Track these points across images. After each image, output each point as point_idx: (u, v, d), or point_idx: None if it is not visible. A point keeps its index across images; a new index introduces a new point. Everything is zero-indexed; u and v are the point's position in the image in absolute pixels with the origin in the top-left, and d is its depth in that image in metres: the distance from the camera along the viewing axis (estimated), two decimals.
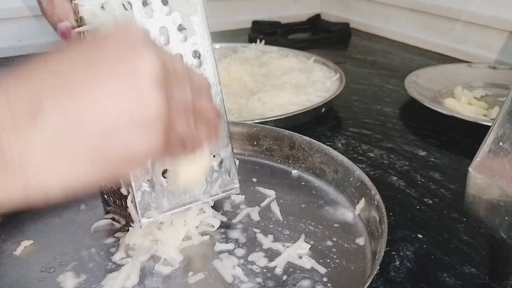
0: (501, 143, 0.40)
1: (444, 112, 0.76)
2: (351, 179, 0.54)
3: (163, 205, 0.47)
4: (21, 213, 0.54)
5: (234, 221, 0.52)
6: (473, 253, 0.50)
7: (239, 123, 0.66)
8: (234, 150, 0.53)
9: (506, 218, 0.39)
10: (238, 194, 0.54)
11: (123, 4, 0.43)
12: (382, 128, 0.80)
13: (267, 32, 1.34)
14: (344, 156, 0.57)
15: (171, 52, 0.42)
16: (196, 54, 0.48)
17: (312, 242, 0.48)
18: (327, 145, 0.59)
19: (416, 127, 0.81)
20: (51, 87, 0.28)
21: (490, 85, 0.93)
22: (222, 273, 0.45)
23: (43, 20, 0.44)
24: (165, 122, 0.31)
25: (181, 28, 0.47)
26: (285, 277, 0.44)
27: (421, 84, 0.89)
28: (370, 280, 0.38)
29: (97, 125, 0.29)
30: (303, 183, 0.59)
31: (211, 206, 0.51)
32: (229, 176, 0.52)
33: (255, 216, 0.53)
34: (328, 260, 0.46)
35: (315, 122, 0.80)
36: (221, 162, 0.51)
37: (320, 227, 0.51)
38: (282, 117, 0.72)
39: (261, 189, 0.58)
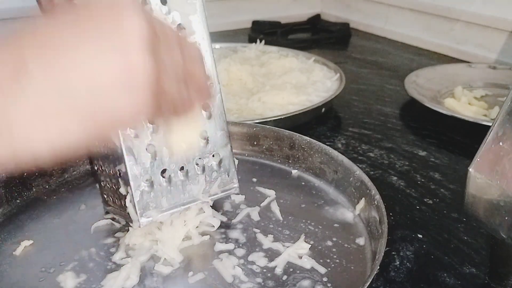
0: (501, 143, 0.40)
1: (444, 112, 0.76)
2: (351, 179, 0.54)
3: (162, 205, 0.47)
4: (21, 213, 0.54)
5: (234, 221, 0.52)
6: (473, 253, 0.50)
7: (239, 123, 0.66)
8: (234, 150, 0.53)
9: (506, 218, 0.39)
10: (238, 194, 0.54)
11: None
12: (382, 128, 0.80)
13: (267, 32, 1.35)
14: (344, 156, 0.57)
15: (162, 17, 0.42)
16: None
17: (312, 242, 0.48)
18: (327, 145, 0.59)
19: (416, 127, 0.81)
20: (36, 48, 0.28)
21: (490, 85, 0.93)
22: (222, 273, 0.45)
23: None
24: (154, 85, 0.31)
25: (180, 28, 0.47)
26: (285, 277, 0.44)
27: (421, 84, 0.89)
28: (370, 280, 0.38)
29: (83, 86, 0.28)
30: (303, 183, 0.59)
31: (211, 206, 0.51)
32: (228, 175, 0.52)
33: (255, 216, 0.53)
34: (328, 260, 0.46)
35: (315, 122, 0.80)
36: (220, 161, 0.51)
37: (320, 227, 0.51)
38: (282, 117, 0.72)
39: (261, 189, 0.58)
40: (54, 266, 0.46)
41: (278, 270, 0.45)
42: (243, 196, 0.55)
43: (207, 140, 0.50)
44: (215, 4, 1.38)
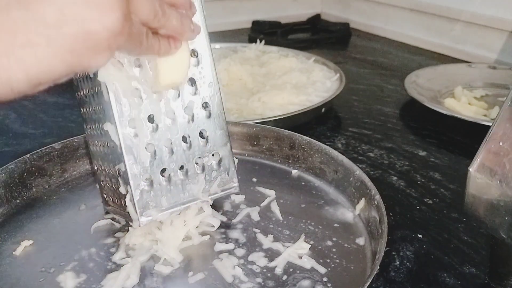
0: (501, 143, 0.40)
1: (444, 112, 0.76)
2: (351, 179, 0.54)
3: (162, 204, 0.47)
4: (21, 213, 0.54)
5: (234, 221, 0.52)
6: (473, 253, 0.50)
7: (239, 123, 0.66)
8: (234, 150, 0.53)
9: (506, 218, 0.39)
10: (238, 193, 0.54)
11: None
12: (382, 128, 0.80)
13: (267, 32, 1.35)
14: (344, 156, 0.57)
15: None
16: (194, 53, 0.48)
17: (312, 242, 0.48)
18: (327, 145, 0.59)
19: (416, 127, 0.81)
20: None
21: (490, 85, 0.93)
22: (222, 273, 0.45)
23: None
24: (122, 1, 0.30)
25: None
26: (285, 277, 0.44)
27: (421, 84, 0.89)
28: (370, 280, 0.38)
29: (52, 3, 0.28)
30: (303, 183, 0.59)
31: (210, 205, 0.51)
32: (228, 175, 0.52)
33: (255, 216, 0.53)
34: (328, 260, 0.46)
35: (315, 122, 0.80)
36: (220, 161, 0.51)
37: (320, 227, 0.51)
38: (282, 117, 0.72)
39: (261, 189, 0.58)
40: (54, 266, 0.46)
41: (278, 270, 0.45)
42: (243, 196, 0.55)
43: (207, 139, 0.50)
44: (215, 4, 1.38)
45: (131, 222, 0.47)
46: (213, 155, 0.50)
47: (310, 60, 1.02)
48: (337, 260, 0.46)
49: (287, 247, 0.47)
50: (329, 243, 0.48)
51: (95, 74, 0.42)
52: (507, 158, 0.39)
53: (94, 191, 0.57)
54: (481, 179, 0.41)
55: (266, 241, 0.48)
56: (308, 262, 0.45)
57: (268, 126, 0.65)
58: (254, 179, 0.60)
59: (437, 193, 0.61)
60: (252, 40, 1.21)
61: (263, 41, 1.13)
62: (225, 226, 0.51)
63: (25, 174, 0.56)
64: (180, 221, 0.49)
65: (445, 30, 1.19)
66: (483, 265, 0.48)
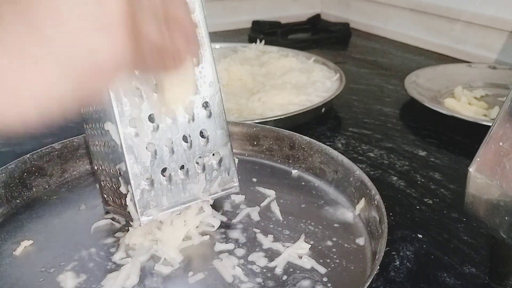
0: (501, 143, 0.40)
1: (444, 112, 0.76)
2: (351, 179, 0.54)
3: (163, 204, 0.47)
4: (21, 213, 0.54)
5: (234, 221, 0.52)
6: (473, 253, 0.50)
7: (239, 123, 0.66)
8: (234, 150, 0.53)
9: (506, 218, 0.39)
10: (238, 193, 0.54)
11: None
12: (382, 128, 0.80)
13: (267, 32, 1.35)
14: (344, 156, 0.57)
15: None
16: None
17: (312, 242, 0.48)
18: (327, 145, 0.59)
19: (416, 127, 0.81)
20: None
21: (490, 85, 0.93)
22: (222, 273, 0.45)
23: None
24: (129, 25, 0.29)
25: None
26: (285, 277, 0.44)
27: (421, 84, 0.89)
28: (370, 280, 0.38)
29: (57, 27, 0.27)
30: (303, 183, 0.59)
31: (211, 205, 0.51)
32: (228, 174, 0.52)
33: (255, 216, 0.53)
34: (328, 260, 0.46)
35: (315, 122, 0.80)
36: (220, 160, 0.51)
37: (320, 227, 0.51)
38: (282, 117, 0.72)
39: (261, 189, 0.58)
40: (54, 266, 0.46)
41: (278, 270, 0.45)
42: (243, 196, 0.55)
43: (207, 138, 0.50)
44: (215, 4, 1.38)
45: (132, 221, 0.47)
46: (213, 154, 0.50)
47: (310, 60, 1.02)
48: (337, 260, 0.46)
49: (287, 247, 0.47)
50: (329, 243, 0.48)
51: None
52: (507, 158, 0.39)
53: (94, 191, 0.57)
54: (481, 179, 0.41)
55: (266, 241, 0.48)
56: (308, 262, 0.45)
57: (268, 126, 0.65)
58: (254, 179, 0.60)
59: (437, 193, 0.61)
60: (252, 40, 1.21)
61: (263, 41, 1.13)
62: (225, 226, 0.51)
63: (25, 174, 0.56)
64: (180, 221, 0.49)
65: (445, 30, 1.19)
66: (483, 265, 0.48)
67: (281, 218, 0.52)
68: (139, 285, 0.44)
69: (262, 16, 1.44)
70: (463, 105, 0.83)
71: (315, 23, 1.47)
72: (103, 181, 0.51)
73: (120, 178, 0.46)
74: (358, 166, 0.55)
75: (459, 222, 0.55)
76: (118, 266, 0.45)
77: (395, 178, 0.64)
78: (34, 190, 0.57)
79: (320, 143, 0.60)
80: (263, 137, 0.64)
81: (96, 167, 0.51)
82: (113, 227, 0.51)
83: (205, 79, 0.49)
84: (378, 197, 0.49)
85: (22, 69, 0.27)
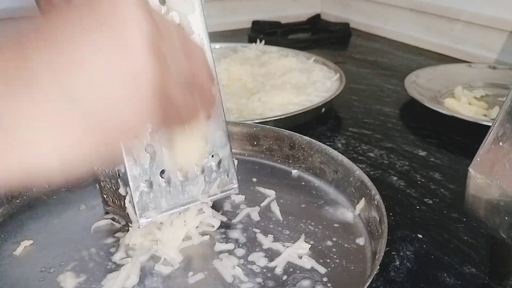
0: (501, 143, 0.40)
1: (444, 112, 0.76)
2: (351, 179, 0.54)
3: (162, 206, 0.47)
4: (21, 213, 0.54)
5: (234, 221, 0.52)
6: (473, 253, 0.50)
7: (239, 123, 0.66)
8: (234, 150, 0.53)
9: (506, 218, 0.39)
10: (237, 194, 0.54)
11: None
12: (382, 128, 0.80)
13: (267, 32, 1.34)
14: (344, 156, 0.57)
15: (168, 18, 0.41)
16: None
17: (312, 242, 0.48)
18: (327, 145, 0.59)
19: (416, 127, 0.81)
20: (43, 54, 0.27)
21: (490, 85, 0.93)
22: (222, 273, 0.45)
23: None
24: (159, 91, 0.30)
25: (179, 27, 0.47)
26: (285, 277, 0.44)
27: (421, 84, 0.89)
28: (370, 280, 0.38)
29: (91, 93, 0.28)
30: (303, 183, 0.59)
31: (210, 206, 0.51)
32: (227, 176, 0.52)
33: (255, 216, 0.53)
34: (328, 260, 0.46)
35: (315, 122, 0.80)
36: (219, 162, 0.51)
37: (320, 227, 0.51)
38: (282, 117, 0.72)
39: (261, 189, 0.58)
40: (54, 266, 0.46)
41: (278, 270, 0.45)
42: (243, 196, 0.55)
43: (207, 140, 0.50)
44: (215, 4, 1.38)
45: (131, 223, 0.47)
46: (212, 156, 0.50)
47: (310, 60, 1.02)
48: (337, 260, 0.46)
49: (287, 247, 0.47)
50: (329, 243, 0.48)
51: None
52: (507, 158, 0.39)
53: (94, 191, 0.57)
54: (481, 179, 0.41)
55: (266, 241, 0.48)
56: (308, 262, 0.45)
57: (268, 126, 0.65)
58: (254, 179, 0.60)
59: (437, 193, 0.61)
60: (252, 40, 1.21)
61: (263, 41, 1.13)
62: (225, 226, 0.51)
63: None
64: (180, 221, 0.49)
65: (445, 30, 1.19)
66: (483, 265, 0.48)
67: (281, 218, 0.52)
68: (139, 285, 0.44)
69: (262, 16, 1.44)
70: (463, 105, 0.83)
71: (315, 23, 1.47)
72: (102, 181, 0.51)
73: (119, 180, 0.46)
74: (358, 166, 0.55)
75: (459, 222, 0.55)
76: (118, 266, 0.45)
77: (395, 178, 0.64)
78: (34, 190, 0.57)
79: (320, 143, 0.60)
80: (263, 137, 0.64)
81: (96, 167, 0.51)
82: (113, 227, 0.51)
83: None
84: (378, 197, 0.49)
85: (51, 128, 0.27)
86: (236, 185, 0.52)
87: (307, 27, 1.46)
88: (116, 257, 0.47)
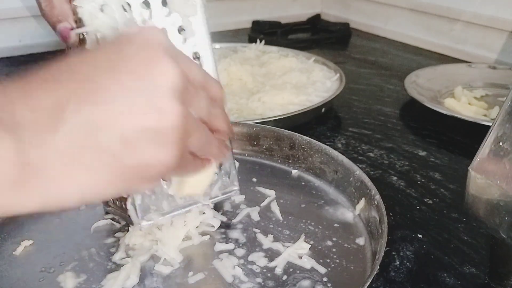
0: (501, 143, 0.40)
1: (444, 112, 0.76)
2: (351, 179, 0.54)
3: (163, 208, 0.47)
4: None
5: (234, 221, 0.52)
6: (473, 253, 0.50)
7: (239, 123, 0.66)
8: (234, 150, 0.53)
9: (506, 218, 0.39)
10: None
11: (122, 6, 0.43)
12: (382, 128, 0.80)
13: (267, 32, 1.34)
14: (344, 156, 0.57)
15: (188, 57, 0.42)
16: (196, 56, 0.48)
17: (312, 242, 0.48)
18: (327, 145, 0.59)
19: (416, 127, 0.81)
20: (73, 92, 0.28)
21: (490, 85, 0.93)
22: (222, 273, 0.45)
23: (43, 20, 0.44)
24: (182, 135, 0.31)
25: (181, 29, 0.47)
26: (285, 277, 0.44)
27: (421, 84, 0.89)
28: (370, 280, 0.38)
29: (117, 134, 0.28)
30: (303, 183, 0.59)
31: (211, 208, 0.51)
32: (229, 178, 0.52)
33: (255, 216, 0.53)
34: (328, 260, 0.46)
35: (315, 122, 0.80)
36: (221, 164, 0.51)
37: (320, 227, 0.51)
38: (282, 117, 0.72)
39: (261, 189, 0.58)
40: (54, 266, 0.46)
41: (278, 270, 0.45)
42: (243, 196, 0.55)
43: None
44: (215, 4, 1.38)
45: (132, 225, 0.47)
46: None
47: (310, 60, 1.02)
48: (337, 260, 0.46)
49: (287, 247, 0.47)
50: (329, 243, 0.48)
51: None
52: (507, 158, 0.39)
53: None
54: (481, 179, 0.41)
55: (266, 241, 0.48)
56: (308, 262, 0.45)
57: (268, 126, 0.65)
58: (254, 179, 0.60)
59: (437, 193, 0.61)
60: (252, 40, 1.21)
61: (263, 41, 1.13)
62: (225, 226, 0.51)
63: None
64: (180, 221, 0.49)
65: (445, 30, 1.19)
66: (483, 265, 0.48)
67: (281, 218, 0.52)
68: (139, 285, 0.44)
69: (262, 16, 1.44)
70: (463, 105, 0.83)
71: (315, 23, 1.47)
72: None
73: None
74: (358, 166, 0.55)
75: (459, 222, 0.55)
76: (118, 266, 0.45)
77: (395, 178, 0.64)
78: None
79: (320, 143, 0.60)
80: (263, 137, 0.64)
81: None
82: (113, 227, 0.51)
83: None
84: (378, 197, 0.49)
85: (74, 164, 0.28)
86: (237, 187, 0.52)
87: (307, 27, 1.45)
88: (116, 257, 0.47)
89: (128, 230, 0.49)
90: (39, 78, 0.28)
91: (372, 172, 0.65)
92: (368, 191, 0.51)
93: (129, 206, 0.46)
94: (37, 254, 0.48)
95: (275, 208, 0.54)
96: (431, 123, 0.80)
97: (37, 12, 0.44)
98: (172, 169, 0.32)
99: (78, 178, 0.28)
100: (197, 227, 0.50)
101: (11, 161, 0.26)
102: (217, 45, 1.11)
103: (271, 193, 0.57)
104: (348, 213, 0.53)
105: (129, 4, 0.43)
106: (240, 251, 0.47)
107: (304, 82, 0.91)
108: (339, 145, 0.73)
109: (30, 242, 0.49)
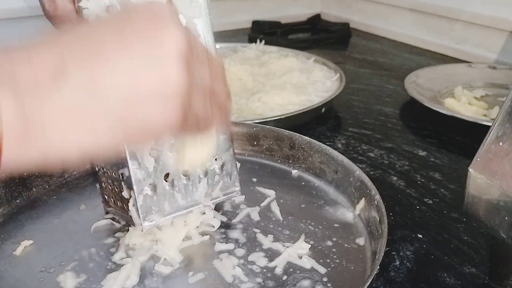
0: (501, 143, 0.40)
1: (444, 112, 0.76)
2: (351, 179, 0.54)
3: (165, 209, 0.47)
4: (21, 213, 0.54)
5: (234, 221, 0.52)
6: (473, 253, 0.50)
7: (239, 123, 0.66)
8: (234, 151, 0.53)
9: (506, 218, 0.39)
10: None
11: None
12: (382, 128, 0.80)
13: (267, 32, 1.35)
14: (344, 156, 0.57)
15: (193, 31, 0.42)
16: None
17: (312, 242, 0.48)
18: (327, 145, 0.59)
19: (416, 127, 0.81)
20: (76, 51, 0.28)
21: (490, 85, 0.93)
22: (222, 273, 0.45)
23: (45, 21, 0.44)
24: (185, 99, 0.31)
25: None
26: (285, 277, 0.44)
27: (421, 84, 0.89)
28: (370, 280, 0.38)
29: (119, 94, 0.29)
30: (303, 183, 0.59)
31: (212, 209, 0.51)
32: (230, 179, 0.52)
33: (255, 216, 0.53)
34: (328, 260, 0.46)
35: (315, 122, 0.80)
36: (222, 165, 0.51)
37: (320, 227, 0.51)
38: (282, 117, 0.72)
39: (261, 189, 0.58)
40: (54, 266, 0.46)
41: (278, 270, 0.45)
42: (243, 196, 0.55)
43: (216, 147, 0.50)
44: (215, 4, 1.37)
45: (133, 226, 0.47)
46: (216, 159, 0.50)
47: (310, 60, 1.02)
48: (337, 260, 0.46)
49: (287, 247, 0.47)
50: (329, 243, 0.48)
51: None
52: (507, 158, 0.39)
53: (94, 191, 0.57)
54: (481, 179, 0.41)
55: (266, 241, 0.48)
56: (308, 262, 0.45)
57: (268, 126, 0.65)
58: (254, 179, 0.60)
59: (437, 193, 0.61)
60: (252, 40, 1.21)
61: (263, 41, 1.13)
62: (225, 226, 0.51)
63: (25, 174, 0.56)
64: (181, 222, 0.49)
65: (445, 30, 1.19)
66: (483, 265, 0.48)
67: (281, 218, 0.52)
68: (139, 285, 0.44)
69: (262, 16, 1.44)
70: (463, 105, 0.83)
71: (315, 23, 1.47)
72: (104, 182, 0.51)
73: (122, 183, 0.46)
74: (358, 166, 0.55)
75: (459, 222, 0.55)
76: (118, 266, 0.45)
77: (395, 178, 0.64)
78: (34, 190, 0.57)
79: (320, 143, 0.60)
80: (263, 137, 0.64)
81: (97, 168, 0.51)
82: (113, 227, 0.51)
83: None
84: (378, 197, 0.49)
85: (75, 120, 0.28)
86: (238, 188, 0.53)
87: (307, 27, 1.46)
88: (116, 257, 0.47)
89: (128, 230, 0.49)
90: (42, 40, 0.29)
91: (372, 172, 0.65)
92: (368, 191, 0.51)
93: (131, 207, 0.46)
94: (37, 254, 0.48)
95: (275, 208, 0.54)
96: (431, 123, 0.80)
97: (39, 12, 0.44)
98: (175, 130, 0.33)
99: (78, 134, 0.29)
100: (197, 227, 0.50)
101: (12, 117, 0.26)
102: (217, 45, 1.10)
103: (271, 193, 0.57)
104: (348, 213, 0.53)
105: None
106: (240, 251, 0.47)
107: (304, 82, 0.91)
108: (339, 145, 0.73)
109: (30, 242, 0.49)
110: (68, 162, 0.29)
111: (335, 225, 0.51)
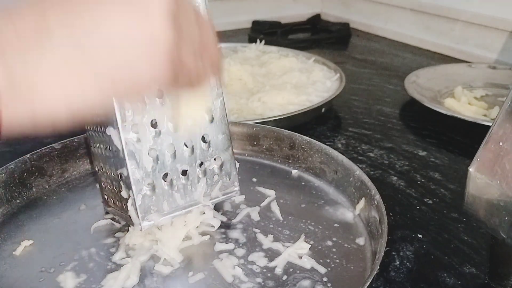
0: (501, 143, 0.40)
1: (444, 112, 0.76)
2: (351, 179, 0.54)
3: (164, 209, 0.47)
4: (21, 213, 0.54)
5: (234, 221, 0.52)
6: (473, 253, 0.50)
7: (239, 123, 0.66)
8: (234, 150, 0.53)
9: (506, 218, 0.39)
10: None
11: None
12: (382, 128, 0.80)
13: (267, 32, 1.35)
14: (344, 156, 0.57)
15: None
16: None
17: (312, 242, 0.48)
18: (327, 145, 0.59)
19: (416, 127, 0.81)
20: (59, 9, 0.28)
21: (490, 85, 0.94)
22: (222, 273, 0.45)
23: None
24: (173, 54, 0.31)
25: None
26: (285, 277, 0.44)
27: (421, 84, 0.89)
28: (370, 280, 0.38)
29: (104, 49, 0.29)
30: (303, 183, 0.59)
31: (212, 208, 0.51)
32: (229, 179, 0.52)
33: (255, 216, 0.53)
34: (328, 260, 0.46)
35: (315, 122, 0.80)
36: (221, 165, 0.51)
37: (320, 227, 0.51)
38: (282, 117, 0.72)
39: (261, 189, 0.58)
40: (54, 266, 0.46)
41: (278, 270, 0.45)
42: (243, 196, 0.55)
43: (209, 143, 0.50)
44: (215, 4, 1.37)
45: (132, 225, 0.47)
46: (215, 159, 0.50)
47: (310, 60, 1.02)
48: (337, 260, 0.46)
49: (287, 247, 0.47)
50: (329, 243, 0.48)
51: None
52: (507, 158, 0.39)
53: (94, 191, 0.57)
54: (481, 179, 0.41)
55: (266, 241, 0.48)
56: (308, 262, 0.45)
57: (268, 126, 0.65)
58: (254, 179, 0.60)
59: (437, 193, 0.61)
60: (252, 40, 1.21)
61: (263, 41, 1.13)
62: (225, 226, 0.51)
63: (25, 174, 0.56)
64: (180, 222, 0.49)
65: (445, 30, 1.19)
66: (483, 265, 0.48)
67: (281, 218, 0.52)
68: (139, 285, 0.44)
69: (262, 16, 1.44)
70: (463, 105, 0.83)
71: (315, 23, 1.47)
72: (103, 182, 0.51)
73: (121, 183, 0.46)
74: (358, 166, 0.55)
75: (459, 222, 0.55)
76: (118, 266, 0.45)
77: (395, 178, 0.64)
78: (34, 190, 0.57)
79: (320, 143, 0.60)
80: (263, 137, 0.64)
81: (97, 168, 0.51)
82: (113, 227, 0.51)
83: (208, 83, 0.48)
84: (378, 197, 0.49)
85: (61, 76, 0.28)
86: (237, 188, 0.52)
87: (307, 27, 1.46)
88: (116, 257, 0.47)
89: (128, 230, 0.49)
90: (24, 1, 0.29)
91: (372, 172, 0.65)
92: (368, 191, 0.51)
93: (129, 207, 0.46)
94: (37, 254, 0.48)
95: (275, 208, 0.54)
96: (431, 123, 0.80)
97: None
98: (166, 85, 0.33)
99: (65, 91, 0.29)
100: (197, 227, 0.50)
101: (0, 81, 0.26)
102: None
103: (271, 193, 0.57)
104: (348, 213, 0.53)
105: None
106: (240, 251, 0.47)
107: (304, 82, 0.91)
108: (339, 145, 0.73)
109: (30, 242, 0.49)
110: (58, 120, 0.29)
111: (335, 225, 0.51)
